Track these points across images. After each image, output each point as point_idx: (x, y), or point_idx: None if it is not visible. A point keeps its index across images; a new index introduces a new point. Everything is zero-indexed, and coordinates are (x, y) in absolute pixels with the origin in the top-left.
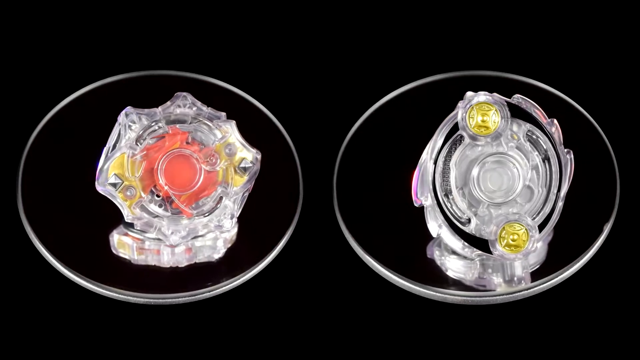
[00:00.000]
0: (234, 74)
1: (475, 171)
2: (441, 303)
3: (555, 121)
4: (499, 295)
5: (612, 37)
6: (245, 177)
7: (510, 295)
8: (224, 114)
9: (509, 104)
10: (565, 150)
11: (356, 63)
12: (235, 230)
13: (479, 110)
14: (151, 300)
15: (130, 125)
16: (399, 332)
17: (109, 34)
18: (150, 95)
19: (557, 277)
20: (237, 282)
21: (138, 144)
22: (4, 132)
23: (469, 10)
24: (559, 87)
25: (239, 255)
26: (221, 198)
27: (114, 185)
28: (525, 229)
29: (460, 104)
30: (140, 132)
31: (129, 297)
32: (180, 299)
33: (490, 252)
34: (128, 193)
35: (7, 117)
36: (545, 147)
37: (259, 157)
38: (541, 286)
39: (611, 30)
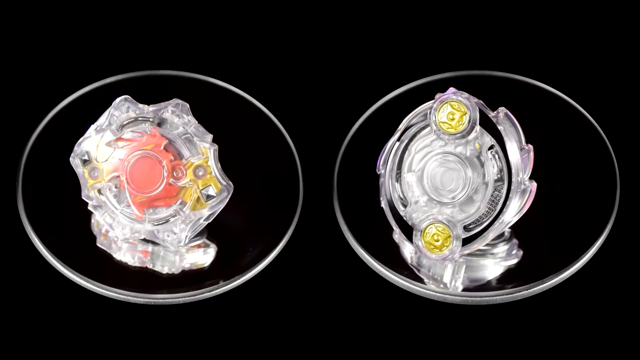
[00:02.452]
0: (234, 74)
1: (429, 162)
2: (440, 303)
3: (531, 148)
4: (499, 295)
5: (612, 37)
6: (206, 205)
7: (511, 296)
8: (210, 135)
9: (485, 114)
10: (527, 180)
11: (356, 63)
12: (204, 255)
13: (452, 107)
14: (151, 300)
15: (118, 113)
16: (399, 332)
17: (109, 34)
18: (150, 96)
19: (556, 277)
20: (237, 282)
21: (118, 132)
22: (4, 132)
23: (470, 10)
24: (559, 87)
25: (239, 255)
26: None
27: (83, 162)
28: (451, 236)
29: (437, 95)
30: (125, 123)
31: (129, 297)
32: (180, 299)
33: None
34: (93, 174)
35: (7, 117)
36: (501, 168)
37: (230, 190)
38: (541, 286)
39: (611, 30)
